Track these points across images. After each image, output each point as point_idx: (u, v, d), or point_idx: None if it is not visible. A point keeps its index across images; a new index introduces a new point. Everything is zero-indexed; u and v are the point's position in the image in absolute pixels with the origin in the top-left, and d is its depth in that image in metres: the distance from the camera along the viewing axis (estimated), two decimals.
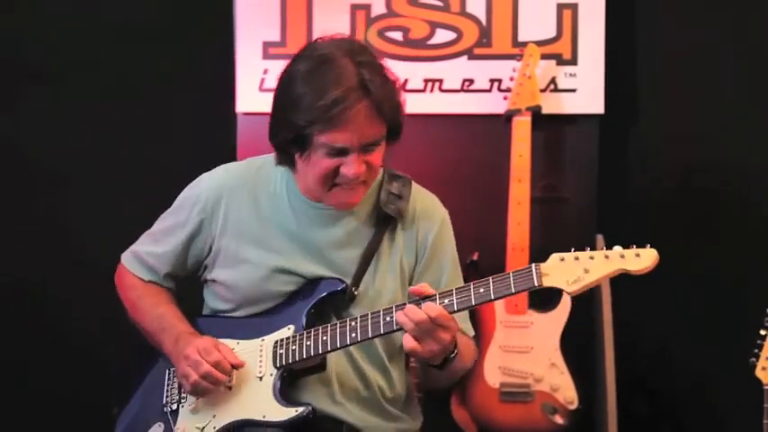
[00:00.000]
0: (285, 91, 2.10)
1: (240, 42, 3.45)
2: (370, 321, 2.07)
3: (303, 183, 2.20)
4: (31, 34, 3.47)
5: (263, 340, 2.16)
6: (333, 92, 2.00)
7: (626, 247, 1.94)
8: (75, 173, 3.48)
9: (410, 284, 2.24)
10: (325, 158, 2.07)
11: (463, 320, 2.24)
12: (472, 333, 2.31)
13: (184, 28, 3.49)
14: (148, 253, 2.31)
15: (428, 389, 3.04)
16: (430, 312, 1.97)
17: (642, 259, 1.91)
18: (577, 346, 3.27)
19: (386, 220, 2.23)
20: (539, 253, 3.11)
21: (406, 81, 3.34)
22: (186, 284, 2.37)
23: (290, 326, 2.15)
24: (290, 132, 2.07)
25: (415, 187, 2.30)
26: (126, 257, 2.35)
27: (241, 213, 2.22)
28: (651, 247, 1.93)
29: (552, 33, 3.40)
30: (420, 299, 2.02)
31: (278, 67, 3.34)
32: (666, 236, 3.14)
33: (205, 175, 2.29)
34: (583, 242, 3.06)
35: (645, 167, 3.49)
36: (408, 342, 1.99)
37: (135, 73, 3.49)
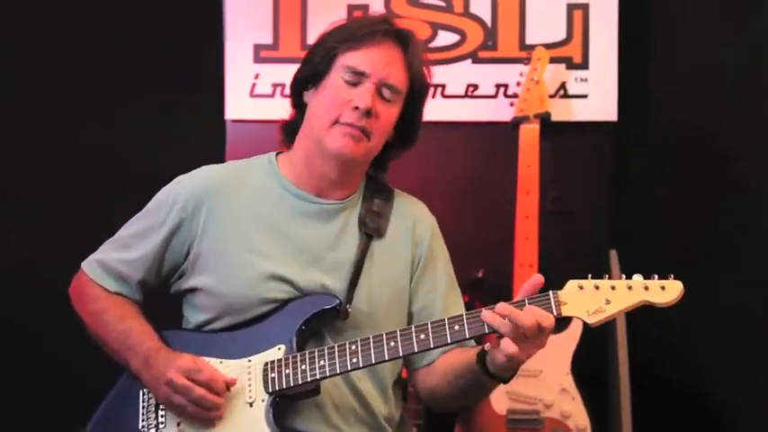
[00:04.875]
0: (319, 39, 2.24)
1: (230, 45, 3.47)
2: (372, 347, 2.06)
3: (301, 153, 2.22)
4: (10, 35, 3.52)
5: (250, 360, 2.13)
6: (368, 20, 2.22)
7: (648, 276, 1.95)
8: (57, 179, 3.51)
9: (410, 290, 2.28)
10: (342, 85, 2.16)
11: None
12: None
13: (170, 30, 3.49)
14: (119, 260, 2.26)
15: (447, 408, 2.98)
16: (543, 321, 1.94)
17: (667, 292, 1.94)
18: (590, 369, 3.26)
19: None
20: (548, 270, 3.08)
21: None
22: (157, 298, 2.33)
23: (279, 345, 2.13)
24: (315, 59, 2.19)
25: (400, 196, 2.33)
26: (90, 266, 2.29)
27: (227, 215, 2.21)
28: (675, 273, 1.95)
29: (562, 35, 3.43)
30: (518, 302, 1.98)
31: (270, 71, 3.46)
32: (685, 252, 3.37)
33: (183, 176, 2.28)
34: (595, 259, 3.33)
35: (661, 178, 3.49)
36: (510, 347, 1.95)
37: (118, 77, 3.51)
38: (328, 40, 2.20)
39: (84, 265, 2.31)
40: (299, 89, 2.25)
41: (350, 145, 2.15)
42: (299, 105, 2.26)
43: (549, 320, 1.94)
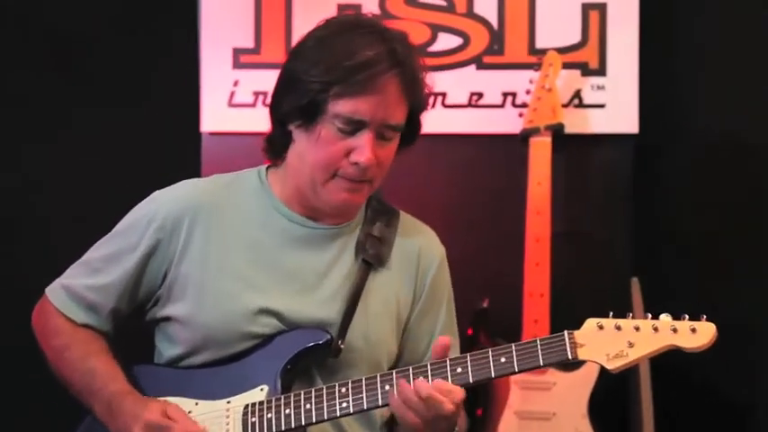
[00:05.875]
0: (303, 53, 2.09)
1: (206, 49, 3.46)
2: (365, 390, 2.00)
3: (292, 182, 2.14)
4: None
5: (228, 402, 2.06)
6: (363, 52, 2.01)
7: (676, 317, 1.90)
8: (26, 196, 3.51)
9: (405, 328, 2.22)
10: (336, 135, 2.03)
11: None
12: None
13: (141, 33, 3.50)
14: (88, 287, 2.18)
15: None
16: (420, 392, 1.93)
17: (698, 336, 1.87)
18: (609, 411, 3.24)
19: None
20: (561, 300, 3.23)
21: None
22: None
23: (262, 386, 2.05)
24: (301, 96, 2.04)
25: (406, 220, 2.25)
26: (54, 294, 2.21)
27: (209, 236, 2.13)
28: (707, 315, 1.89)
29: (576, 38, 3.40)
30: (415, 367, 2.00)
31: (250, 78, 3.50)
32: (714, 280, 3.38)
33: (161, 192, 2.20)
34: (615, 287, 3.30)
35: (687, 196, 3.46)
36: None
37: (86, 83, 3.50)
38: (317, 76, 2.03)
39: (49, 291, 2.23)
40: (284, 116, 2.12)
41: (350, 198, 2.10)
42: (283, 128, 2.13)
43: (425, 391, 1.92)
